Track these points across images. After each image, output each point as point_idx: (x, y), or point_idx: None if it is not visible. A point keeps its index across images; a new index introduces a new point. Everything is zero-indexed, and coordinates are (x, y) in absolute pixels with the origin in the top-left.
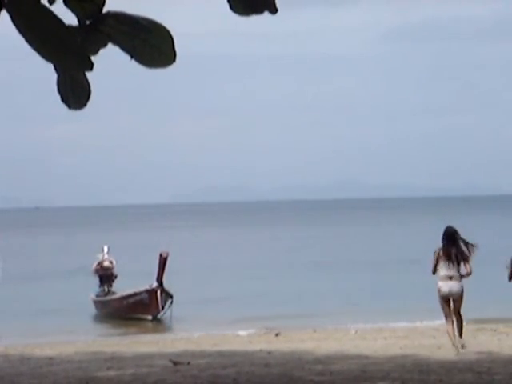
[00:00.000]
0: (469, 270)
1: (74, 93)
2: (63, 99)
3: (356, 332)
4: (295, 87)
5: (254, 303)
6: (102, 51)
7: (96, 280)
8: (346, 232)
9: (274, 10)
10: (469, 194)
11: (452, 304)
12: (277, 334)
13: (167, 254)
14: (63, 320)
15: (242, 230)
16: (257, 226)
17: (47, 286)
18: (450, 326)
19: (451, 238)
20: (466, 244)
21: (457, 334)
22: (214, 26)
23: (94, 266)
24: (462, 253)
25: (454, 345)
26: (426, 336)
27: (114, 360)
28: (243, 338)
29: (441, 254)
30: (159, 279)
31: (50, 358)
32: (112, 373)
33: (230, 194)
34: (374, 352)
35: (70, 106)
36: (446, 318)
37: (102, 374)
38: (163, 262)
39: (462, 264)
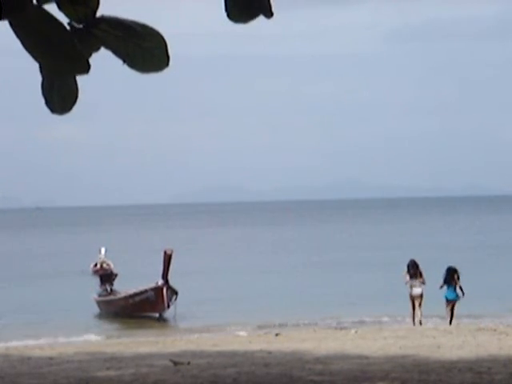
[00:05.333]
0: (423, 281)
1: (61, 96)
2: (47, 103)
3: (356, 332)
4: (296, 87)
5: (254, 303)
6: (99, 53)
7: (96, 280)
8: (346, 232)
9: (269, 14)
10: (470, 194)
11: (416, 300)
12: (277, 334)
13: (172, 251)
14: (63, 320)
15: (242, 230)
16: (257, 226)
17: (47, 287)
18: (413, 312)
19: (413, 265)
20: (417, 265)
21: (418, 314)
22: (214, 27)
23: (92, 267)
24: (419, 272)
25: (413, 322)
26: (425, 336)
27: (114, 360)
28: (243, 337)
29: (408, 273)
30: (164, 276)
31: (50, 358)
32: (112, 373)
33: (229, 194)
34: (374, 352)
35: (52, 110)
36: (413, 308)
37: (102, 374)
38: (168, 259)
39: (419, 278)
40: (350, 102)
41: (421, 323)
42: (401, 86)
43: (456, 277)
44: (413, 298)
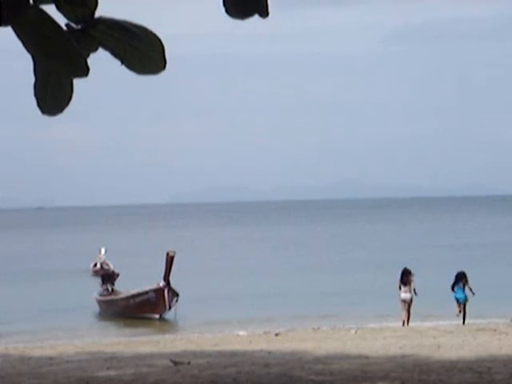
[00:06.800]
0: (413, 287)
1: (54, 98)
2: (39, 104)
3: (356, 332)
4: (296, 87)
5: (254, 303)
6: (99, 53)
7: (97, 280)
8: (346, 232)
9: (265, 13)
10: (471, 194)
11: (406, 305)
12: (277, 334)
13: (174, 253)
14: (64, 320)
15: (242, 230)
16: (257, 226)
17: (47, 286)
18: (404, 315)
19: (405, 273)
20: (408, 273)
21: (406, 319)
22: (214, 27)
23: (91, 267)
24: (410, 279)
25: (403, 325)
26: (425, 336)
27: (114, 360)
28: (243, 337)
29: (400, 280)
30: (166, 278)
31: (50, 358)
32: (112, 373)
33: (229, 194)
34: (374, 352)
35: (43, 111)
36: (403, 311)
37: (102, 373)
38: (170, 261)
39: (409, 285)
40: (350, 102)
41: (407, 324)
42: (401, 86)
43: (465, 279)
44: (403, 303)
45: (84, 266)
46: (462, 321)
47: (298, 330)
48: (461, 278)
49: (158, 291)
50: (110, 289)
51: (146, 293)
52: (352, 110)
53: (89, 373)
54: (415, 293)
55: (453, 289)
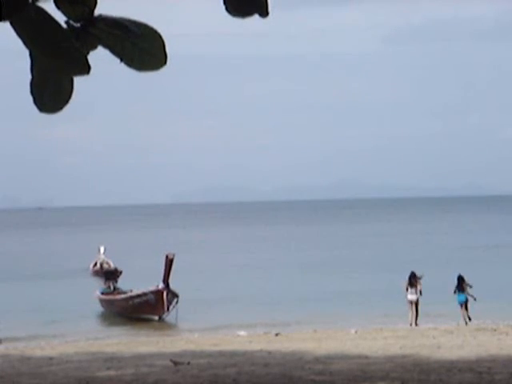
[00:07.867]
0: (420, 289)
1: (53, 96)
2: (35, 101)
3: (356, 332)
4: (295, 87)
5: (254, 303)
6: (98, 52)
7: (96, 280)
8: (346, 232)
9: (265, 13)
10: (471, 194)
11: (412, 305)
12: (277, 334)
13: (173, 255)
14: (64, 320)
15: (243, 230)
16: (257, 226)
17: (47, 286)
18: (410, 315)
19: (412, 276)
20: (415, 276)
21: (413, 319)
22: (214, 27)
23: (91, 267)
24: (416, 281)
25: (410, 324)
26: (425, 336)
27: (114, 360)
28: (243, 338)
29: (407, 282)
30: (165, 280)
31: (50, 358)
32: (112, 373)
33: (230, 194)
34: (374, 352)
35: (41, 109)
36: (410, 311)
37: (102, 374)
38: (169, 263)
39: (416, 286)
40: (350, 101)
41: (416, 324)
42: (401, 86)
43: (465, 283)
44: (410, 303)
45: (84, 265)
46: (464, 321)
47: (298, 330)
48: (459, 282)
49: (157, 293)
50: (112, 287)
51: (146, 294)
52: (352, 110)
53: (89, 373)
54: (420, 293)
55: (455, 293)
